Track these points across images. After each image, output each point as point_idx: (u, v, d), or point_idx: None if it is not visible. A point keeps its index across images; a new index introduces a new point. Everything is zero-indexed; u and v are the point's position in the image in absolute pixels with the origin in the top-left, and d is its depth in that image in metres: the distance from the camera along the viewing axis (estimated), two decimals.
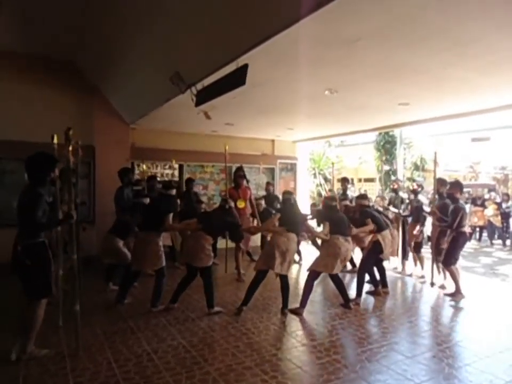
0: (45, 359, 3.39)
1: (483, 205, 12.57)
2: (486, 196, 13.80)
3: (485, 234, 12.95)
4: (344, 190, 7.91)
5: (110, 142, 7.54)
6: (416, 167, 18.13)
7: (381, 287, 5.69)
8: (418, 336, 4.15)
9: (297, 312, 4.68)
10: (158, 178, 8.47)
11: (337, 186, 8.78)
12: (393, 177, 14.78)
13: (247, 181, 7.22)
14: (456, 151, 20.53)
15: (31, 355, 3.38)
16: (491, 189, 15.40)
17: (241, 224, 5.95)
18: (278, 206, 7.64)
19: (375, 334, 4.17)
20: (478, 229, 12.78)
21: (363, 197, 5.86)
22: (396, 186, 7.38)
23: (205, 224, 4.67)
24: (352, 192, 12.61)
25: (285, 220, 4.74)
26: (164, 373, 3.19)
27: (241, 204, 6.55)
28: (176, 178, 8.92)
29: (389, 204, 7.23)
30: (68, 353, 3.53)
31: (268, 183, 8.64)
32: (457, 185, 5.50)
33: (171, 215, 4.87)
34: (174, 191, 5.81)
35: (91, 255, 6.54)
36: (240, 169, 7.21)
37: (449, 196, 5.45)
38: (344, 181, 8.09)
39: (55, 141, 4.17)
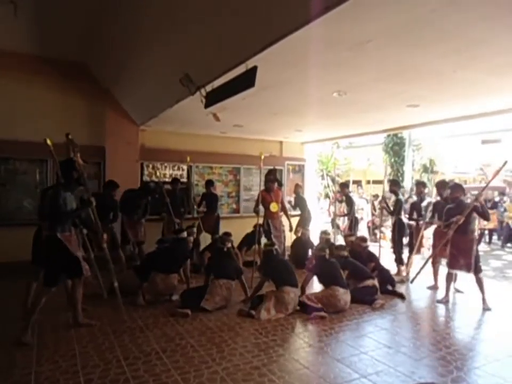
0: (57, 356, 3.46)
1: (494, 207, 12.45)
2: (497, 199, 13.66)
3: (494, 237, 12.83)
4: (346, 195, 7.86)
5: (120, 143, 7.61)
6: (425, 169, 18.00)
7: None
8: (426, 338, 4.13)
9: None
10: (167, 179, 8.60)
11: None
12: (414, 179, 14.35)
13: (280, 184, 7.09)
14: (466, 153, 20.31)
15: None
16: (501, 192, 15.23)
17: (275, 227, 6.42)
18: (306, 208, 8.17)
19: (381, 336, 4.16)
20: (487, 232, 12.65)
21: (340, 247, 5.79)
22: (421, 190, 6.76)
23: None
24: (361, 194, 12.55)
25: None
26: (173, 371, 3.23)
27: (274, 208, 6.54)
28: (185, 179, 8.96)
29: (412, 210, 6.76)
30: (79, 351, 3.60)
31: (296, 185, 8.66)
32: (458, 188, 5.41)
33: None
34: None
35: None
36: (270, 172, 7.10)
37: (454, 200, 5.31)
38: (343, 186, 7.99)
39: (49, 142, 4.21)
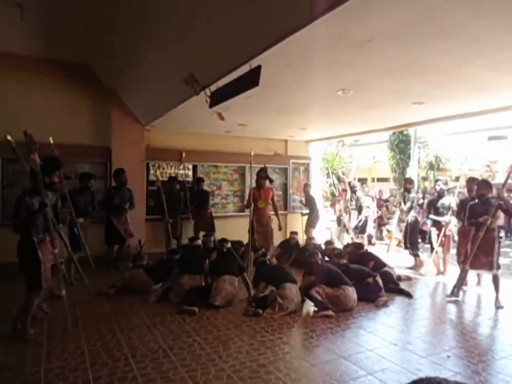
0: (66, 354, 3.51)
1: None
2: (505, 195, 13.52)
3: (502, 233, 12.72)
4: (354, 192, 7.96)
5: (125, 143, 7.67)
6: (431, 166, 17.92)
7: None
8: (432, 336, 4.13)
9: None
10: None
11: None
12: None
13: (271, 181, 7.29)
14: (473, 149, 20.18)
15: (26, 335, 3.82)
16: (509, 188, 15.06)
17: (261, 224, 6.55)
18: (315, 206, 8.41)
19: (387, 333, 4.16)
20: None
21: (339, 255, 5.69)
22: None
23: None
24: (367, 192, 12.53)
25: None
26: (180, 369, 3.26)
27: (261, 204, 6.72)
28: (190, 179, 9.01)
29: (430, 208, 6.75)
30: (87, 348, 3.64)
31: (305, 184, 8.72)
32: (486, 185, 5.23)
33: None
34: None
35: (101, 254, 6.69)
36: (262, 170, 7.23)
37: (480, 197, 5.14)
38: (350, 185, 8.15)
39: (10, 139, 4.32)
